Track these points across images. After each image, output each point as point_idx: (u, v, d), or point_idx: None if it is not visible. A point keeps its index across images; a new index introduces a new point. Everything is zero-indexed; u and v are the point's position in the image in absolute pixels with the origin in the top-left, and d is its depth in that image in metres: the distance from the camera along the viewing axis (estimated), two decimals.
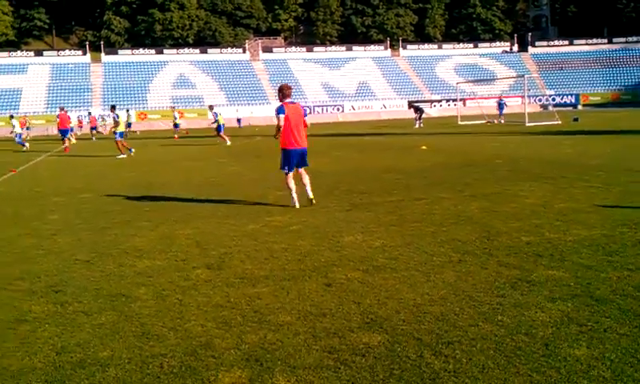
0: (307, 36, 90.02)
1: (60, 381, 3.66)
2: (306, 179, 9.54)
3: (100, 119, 50.42)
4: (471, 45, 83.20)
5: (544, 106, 62.80)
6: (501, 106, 43.16)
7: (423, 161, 16.02)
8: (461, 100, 55.13)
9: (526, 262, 5.71)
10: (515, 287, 4.99)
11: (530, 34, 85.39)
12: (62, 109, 31.70)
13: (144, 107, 64.33)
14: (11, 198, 12.39)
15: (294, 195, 9.46)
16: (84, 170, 18.36)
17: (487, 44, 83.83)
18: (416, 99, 64.51)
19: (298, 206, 9.33)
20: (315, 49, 79.45)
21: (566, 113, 48.05)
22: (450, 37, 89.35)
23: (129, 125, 40.58)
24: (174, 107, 48.84)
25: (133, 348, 4.08)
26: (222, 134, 28.28)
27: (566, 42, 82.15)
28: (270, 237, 7.39)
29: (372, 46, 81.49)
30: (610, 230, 6.85)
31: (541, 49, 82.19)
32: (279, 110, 9.24)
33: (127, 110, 45.65)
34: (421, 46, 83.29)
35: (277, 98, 9.75)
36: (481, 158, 16.21)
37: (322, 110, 66.97)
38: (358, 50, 79.50)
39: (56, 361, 3.93)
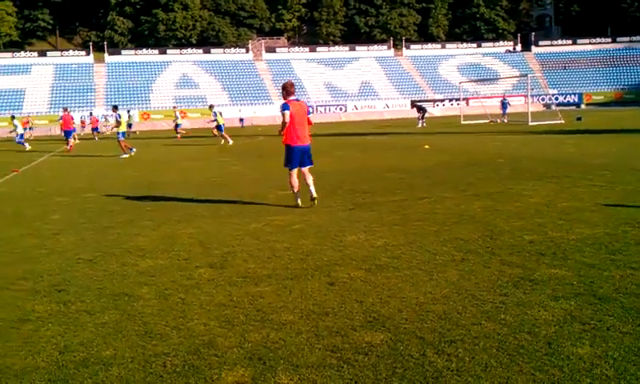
0: (310, 36, 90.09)
1: (63, 380, 3.66)
2: (310, 179, 9.54)
3: (103, 119, 50.53)
4: (474, 44, 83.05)
5: (547, 106, 62.58)
6: (504, 105, 43.11)
7: (426, 160, 15.99)
8: (464, 99, 55.02)
9: (529, 261, 5.70)
10: (518, 286, 4.98)
11: (533, 33, 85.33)
12: (65, 109, 31.78)
13: (147, 107, 64.41)
14: (14, 197, 12.42)
15: (297, 194, 9.47)
16: (86, 169, 18.40)
17: (490, 43, 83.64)
18: (419, 99, 64.50)
19: (300, 205, 9.34)
20: (318, 49, 79.50)
21: (569, 112, 47.90)
22: (453, 36, 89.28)
23: (129, 125, 40.57)
24: (175, 107, 48.90)
25: (136, 347, 4.08)
26: (223, 133, 28.28)
27: (570, 42, 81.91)
28: (272, 236, 7.39)
29: (375, 46, 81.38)
30: (613, 228, 6.83)
31: (544, 48, 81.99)
32: (284, 107, 9.28)
33: (128, 111, 45.68)
34: (424, 46, 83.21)
35: (280, 97, 9.76)
36: (484, 157, 16.18)
37: (325, 109, 67.00)
38: (361, 50, 79.47)
39: (59, 360, 3.94)
